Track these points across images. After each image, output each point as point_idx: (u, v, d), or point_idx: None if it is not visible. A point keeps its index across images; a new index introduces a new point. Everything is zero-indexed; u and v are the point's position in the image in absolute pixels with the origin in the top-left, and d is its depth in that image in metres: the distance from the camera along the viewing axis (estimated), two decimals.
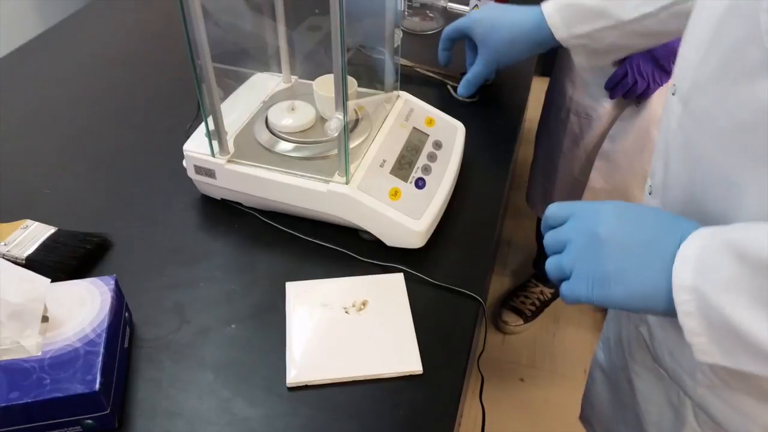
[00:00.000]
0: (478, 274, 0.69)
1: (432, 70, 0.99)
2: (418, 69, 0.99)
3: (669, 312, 0.44)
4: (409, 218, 0.68)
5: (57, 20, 1.14)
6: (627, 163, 1.21)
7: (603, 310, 1.76)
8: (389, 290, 0.66)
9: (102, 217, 0.75)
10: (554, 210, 0.53)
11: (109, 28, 1.14)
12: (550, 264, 0.51)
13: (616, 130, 1.20)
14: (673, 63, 1.00)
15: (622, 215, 0.49)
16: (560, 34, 0.81)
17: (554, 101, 1.32)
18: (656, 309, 0.45)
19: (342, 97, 0.63)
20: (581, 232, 0.49)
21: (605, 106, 1.19)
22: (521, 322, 1.68)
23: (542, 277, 1.73)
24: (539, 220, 1.59)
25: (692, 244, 0.43)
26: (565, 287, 0.50)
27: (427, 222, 0.69)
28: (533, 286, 1.73)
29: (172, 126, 0.84)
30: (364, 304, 0.64)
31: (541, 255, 1.71)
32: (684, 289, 0.43)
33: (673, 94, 0.57)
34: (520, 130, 0.88)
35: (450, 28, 0.90)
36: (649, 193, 0.64)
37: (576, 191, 1.35)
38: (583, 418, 0.88)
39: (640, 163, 1.19)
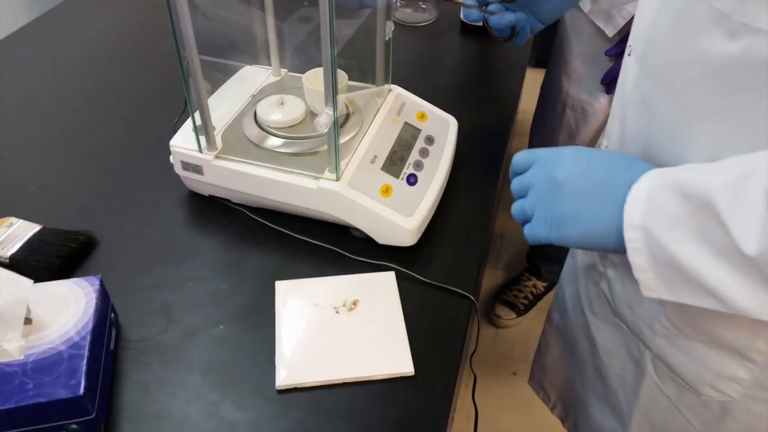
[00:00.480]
0: (470, 272, 0.68)
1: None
2: None
3: (620, 249, 0.46)
4: (400, 216, 0.67)
5: (44, 10, 1.11)
6: None
7: None
8: (380, 289, 0.65)
9: (88, 214, 0.73)
10: (520, 157, 0.55)
11: (97, 19, 1.12)
12: (515, 208, 0.54)
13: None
14: None
15: (579, 159, 0.51)
16: None
17: (550, 95, 1.31)
18: (609, 246, 0.47)
19: (332, 92, 0.62)
20: (541, 177, 0.51)
21: (601, 101, 1.18)
22: (514, 315, 1.68)
23: (535, 270, 1.73)
24: None
25: (642, 185, 0.45)
26: (527, 229, 0.52)
27: (418, 219, 0.67)
28: (526, 280, 1.73)
29: (160, 120, 0.82)
30: (354, 303, 0.63)
31: (534, 249, 1.70)
32: (633, 227, 0.44)
33: (629, 54, 0.58)
34: (513, 123, 0.87)
35: None
36: None
37: None
38: (534, 381, 0.89)
39: None
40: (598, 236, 0.48)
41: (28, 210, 0.71)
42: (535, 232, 0.51)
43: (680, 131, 0.49)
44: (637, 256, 0.45)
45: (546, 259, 1.69)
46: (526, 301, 1.70)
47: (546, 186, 0.51)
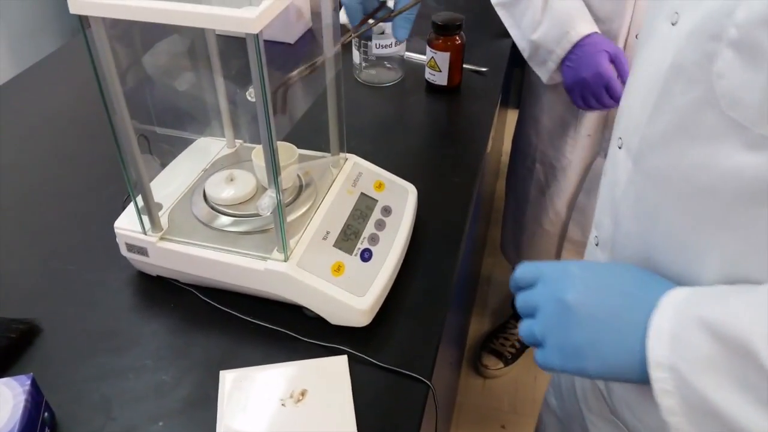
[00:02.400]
0: (427, 354, 0.65)
1: (350, 34, 0.75)
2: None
3: (644, 382, 0.43)
4: (352, 296, 0.64)
5: (4, 80, 1.11)
6: None
7: None
8: (331, 376, 0.62)
9: (34, 298, 0.70)
10: (522, 271, 0.52)
11: (60, 86, 1.11)
12: (523, 330, 0.50)
13: (590, 184, 1.18)
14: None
15: (589, 280, 0.48)
16: None
17: (520, 149, 1.30)
18: (631, 379, 0.45)
19: (273, 173, 0.60)
20: (549, 299, 0.48)
21: (567, 157, 1.18)
22: (501, 365, 1.64)
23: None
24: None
25: (665, 317, 0.42)
26: (539, 356, 0.49)
27: (371, 299, 0.65)
28: (513, 327, 1.69)
29: (113, 194, 0.81)
30: (303, 394, 0.59)
31: None
32: (660, 366, 0.41)
33: (619, 147, 0.56)
34: (475, 189, 0.85)
35: None
36: (596, 245, 0.63)
37: (544, 242, 1.33)
38: None
39: None
40: (620, 370, 0.45)
41: None
42: (549, 362, 0.48)
43: (688, 240, 0.46)
44: (666, 398, 0.41)
45: None
46: (513, 350, 1.66)
47: (556, 310, 0.47)
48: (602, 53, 1.00)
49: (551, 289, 0.48)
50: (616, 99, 1.02)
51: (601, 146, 1.15)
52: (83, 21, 0.54)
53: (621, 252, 0.56)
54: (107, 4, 0.52)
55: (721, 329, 0.39)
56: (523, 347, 1.68)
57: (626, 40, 1.05)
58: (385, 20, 0.74)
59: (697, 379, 0.40)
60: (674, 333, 0.41)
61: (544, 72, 1.06)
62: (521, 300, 0.51)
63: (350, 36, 0.73)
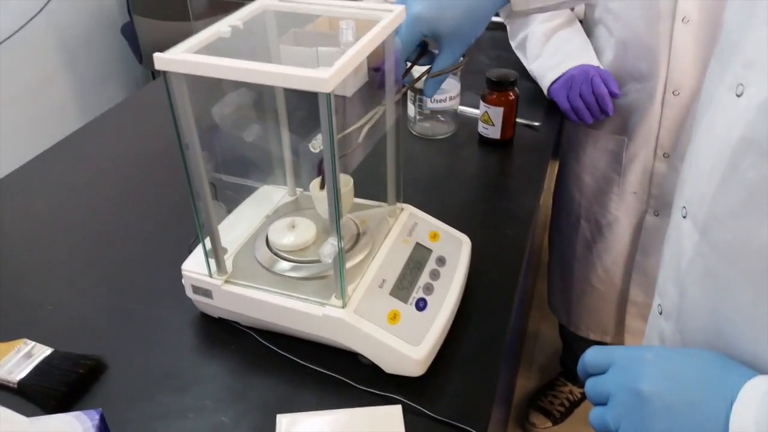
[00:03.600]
0: (482, 406, 0.65)
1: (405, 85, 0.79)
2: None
3: None
4: (408, 345, 0.65)
5: (77, 126, 1.18)
6: None
7: None
8: (384, 425, 0.62)
9: (100, 336, 0.74)
10: (592, 356, 0.51)
11: (128, 134, 1.18)
12: (595, 417, 0.49)
13: (646, 243, 1.17)
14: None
15: (664, 368, 0.46)
16: (518, 7, 0.74)
17: (563, 205, 1.30)
18: None
19: (336, 221, 0.62)
20: (623, 387, 0.47)
21: (613, 213, 1.17)
22: (549, 424, 1.59)
23: (570, 375, 1.65)
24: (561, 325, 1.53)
25: (748, 410, 0.41)
26: None
27: (426, 349, 0.65)
28: (561, 385, 1.65)
29: (180, 237, 0.84)
30: None
31: (568, 352, 1.64)
32: None
33: (684, 217, 0.55)
34: (528, 242, 0.86)
35: (407, 36, 0.72)
36: (660, 313, 0.62)
37: (595, 300, 1.31)
38: None
39: None
40: None
41: (43, 330, 0.72)
42: None
43: (761, 316, 0.45)
44: None
45: None
46: (562, 408, 1.62)
47: (629, 399, 0.46)
48: (590, 67, 1.08)
49: (624, 377, 0.47)
50: (600, 96, 1.06)
51: (648, 204, 1.14)
52: (166, 75, 0.59)
53: (688, 323, 0.54)
54: (191, 61, 0.56)
55: None
56: (572, 406, 1.63)
57: (663, 98, 1.06)
58: (421, 78, 0.75)
59: None
60: (759, 426, 0.40)
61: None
62: (591, 386, 0.50)
63: (405, 89, 0.76)
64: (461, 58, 0.76)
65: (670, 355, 0.48)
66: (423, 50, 0.75)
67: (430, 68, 0.75)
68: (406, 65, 0.75)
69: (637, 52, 1.06)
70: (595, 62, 1.10)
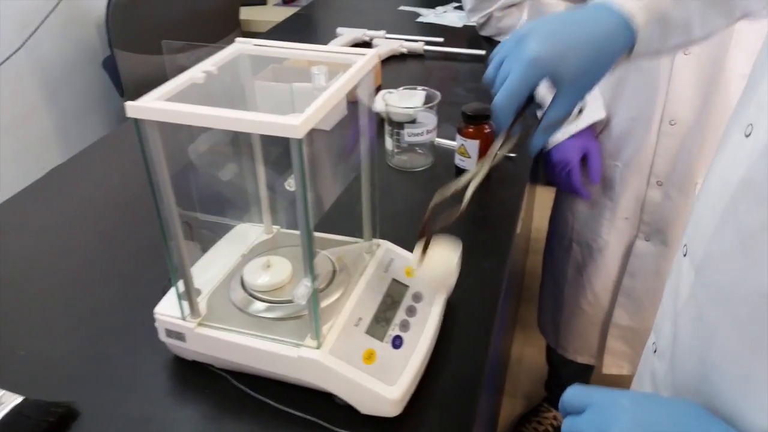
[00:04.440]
0: None
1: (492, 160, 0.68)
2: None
3: None
4: (383, 384, 0.65)
5: (51, 166, 1.17)
6: (649, 301, 1.19)
7: None
8: None
9: (73, 381, 0.72)
10: (572, 395, 0.51)
11: (107, 171, 1.18)
12: None
13: (634, 267, 1.18)
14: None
15: (641, 418, 0.45)
16: (642, 49, 0.62)
17: (557, 229, 1.31)
18: None
19: (309, 263, 0.62)
20: (594, 430, 0.46)
21: (604, 238, 1.19)
22: None
23: (555, 400, 1.64)
24: (548, 348, 1.53)
25: None
26: None
27: (402, 388, 0.65)
28: (546, 411, 1.64)
29: (155, 278, 0.83)
30: None
31: (553, 377, 1.64)
32: None
33: (684, 255, 0.54)
34: (505, 275, 0.86)
35: (522, 80, 0.60)
36: (654, 351, 0.61)
37: (583, 322, 1.32)
38: None
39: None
40: None
41: (15, 377, 0.71)
42: None
43: (744, 367, 0.44)
44: None
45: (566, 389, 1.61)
46: None
47: None
48: (575, 149, 1.12)
49: (598, 421, 0.46)
50: (573, 186, 1.15)
51: (639, 229, 1.16)
52: (137, 122, 0.59)
53: (680, 365, 0.53)
54: (162, 109, 0.57)
55: None
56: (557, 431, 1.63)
57: (659, 127, 1.08)
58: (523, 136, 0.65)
59: None
60: None
61: None
62: (567, 427, 0.49)
63: (505, 139, 0.64)
64: (578, 107, 0.64)
65: (648, 403, 0.46)
66: (529, 100, 0.64)
67: (541, 119, 0.64)
68: (513, 117, 0.63)
69: (636, 81, 1.08)
70: (601, 113, 1.13)
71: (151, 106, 0.57)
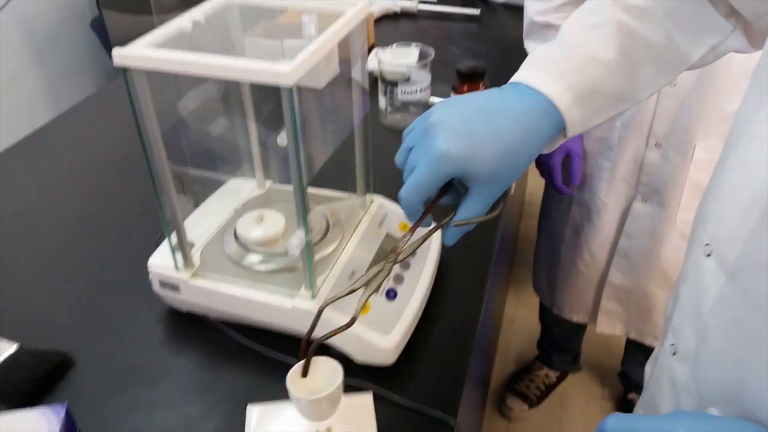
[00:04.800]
0: (453, 392, 0.66)
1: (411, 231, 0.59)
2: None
3: None
4: (378, 334, 0.66)
5: (43, 123, 1.16)
6: (644, 262, 1.20)
7: (611, 398, 1.69)
8: (356, 413, 0.62)
9: (67, 332, 0.73)
10: (615, 426, 0.44)
11: (99, 127, 1.16)
12: None
13: (631, 228, 1.19)
14: None
15: None
16: (574, 130, 0.57)
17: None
18: None
19: (302, 214, 0.62)
20: None
21: (602, 199, 1.19)
22: (526, 407, 1.62)
23: (547, 359, 1.67)
24: (542, 304, 1.55)
25: None
26: None
27: (396, 338, 0.66)
28: (538, 369, 1.67)
29: (148, 232, 0.84)
30: (328, 430, 0.60)
31: (545, 336, 1.66)
32: None
33: (707, 255, 0.50)
34: (498, 231, 0.87)
35: (429, 177, 0.53)
36: (673, 354, 0.57)
37: (579, 282, 1.33)
38: None
39: (658, 261, 1.19)
40: None
41: (10, 327, 0.72)
42: None
43: None
44: None
45: (558, 348, 1.64)
46: (538, 392, 1.64)
47: None
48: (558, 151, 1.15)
49: None
50: (555, 186, 1.23)
51: (637, 190, 1.16)
52: (126, 71, 0.58)
53: (707, 371, 0.50)
54: (150, 57, 0.56)
55: None
56: (548, 389, 1.66)
57: (647, 140, 1.09)
58: (441, 227, 0.57)
59: None
60: None
61: None
62: None
63: (413, 232, 0.58)
64: (497, 205, 0.57)
65: (703, 424, 0.42)
66: (446, 187, 0.58)
67: (453, 214, 0.56)
68: (422, 207, 0.57)
69: None
70: None
71: (139, 53, 0.56)
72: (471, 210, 0.55)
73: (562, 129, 0.56)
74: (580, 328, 1.54)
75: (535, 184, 1.59)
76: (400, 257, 0.57)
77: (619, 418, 0.44)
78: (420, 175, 0.53)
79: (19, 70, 2.16)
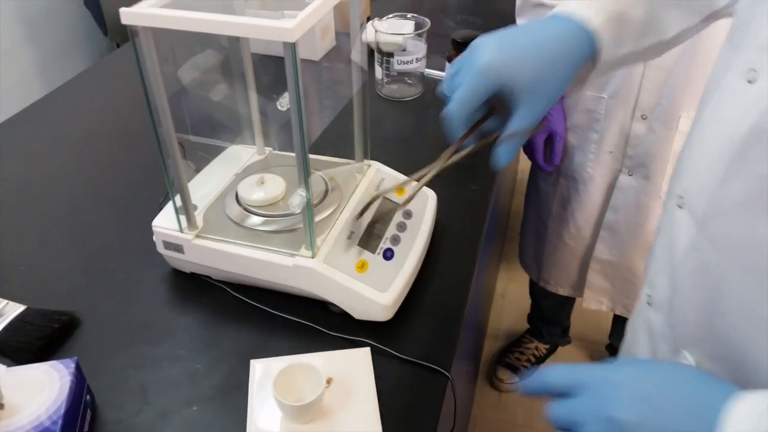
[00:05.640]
0: (447, 347, 0.68)
1: (451, 158, 0.64)
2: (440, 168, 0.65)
3: None
4: (375, 291, 0.68)
5: (45, 92, 1.17)
6: (630, 236, 1.22)
7: None
8: (355, 366, 0.65)
9: (74, 294, 0.75)
10: (560, 377, 0.46)
11: (98, 99, 1.17)
12: None
13: (617, 202, 1.21)
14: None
15: (640, 392, 0.42)
16: (607, 54, 0.58)
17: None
18: None
19: (304, 173, 0.64)
20: (596, 417, 0.42)
21: (588, 171, 1.21)
22: (516, 379, 1.65)
23: (537, 332, 1.71)
24: (531, 281, 1.58)
25: (738, 428, 0.37)
26: None
27: (393, 295, 0.68)
28: (528, 342, 1.71)
29: (150, 198, 0.85)
30: (328, 382, 0.63)
31: (535, 310, 1.69)
32: None
33: (679, 207, 0.52)
34: (492, 197, 0.89)
35: (473, 90, 0.55)
36: (648, 303, 0.59)
37: (566, 255, 1.35)
38: None
39: (644, 235, 1.21)
40: None
41: (16, 290, 0.73)
42: None
43: (760, 313, 0.44)
44: None
45: (547, 322, 1.67)
46: (528, 364, 1.68)
47: (604, 429, 0.41)
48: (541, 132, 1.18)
49: (597, 405, 0.42)
50: (536, 163, 1.29)
51: (623, 163, 1.18)
52: (132, 31, 0.59)
53: (679, 316, 0.53)
54: (157, 14, 0.57)
55: None
56: (537, 362, 1.69)
57: (633, 112, 1.11)
58: (490, 144, 0.59)
59: None
60: None
61: None
62: (558, 412, 0.45)
63: (455, 151, 0.61)
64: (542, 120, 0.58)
65: (644, 374, 0.43)
66: (488, 113, 0.60)
67: (499, 132, 0.58)
68: (465, 130, 0.59)
69: None
70: None
71: (146, 11, 0.57)
72: (518, 122, 0.56)
73: (592, 53, 0.57)
74: (568, 302, 1.57)
75: (527, 163, 1.61)
76: (451, 160, 0.62)
77: (562, 369, 0.45)
78: (465, 88, 0.55)
79: (13, 47, 2.15)
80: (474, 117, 0.58)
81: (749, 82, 0.44)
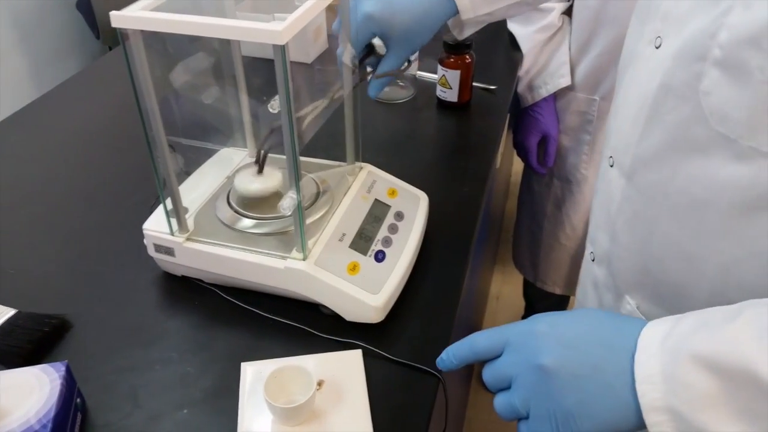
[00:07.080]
0: (438, 349, 0.68)
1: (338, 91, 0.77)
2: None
3: (642, 428, 0.41)
4: (367, 293, 0.68)
5: (39, 95, 1.16)
6: None
7: None
8: (347, 369, 0.65)
9: (65, 297, 0.74)
10: (484, 342, 0.49)
11: (90, 102, 1.17)
12: (501, 404, 0.47)
13: None
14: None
15: (562, 338, 0.45)
16: (467, 15, 0.77)
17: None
18: (631, 430, 0.42)
19: (295, 175, 0.64)
20: (524, 367, 0.45)
21: (582, 172, 1.22)
22: None
23: None
24: (525, 281, 1.58)
25: (652, 358, 0.40)
26: (524, 429, 0.46)
27: (385, 297, 0.68)
28: None
29: (140, 201, 0.85)
30: (320, 384, 0.63)
31: (530, 311, 1.69)
32: (656, 410, 0.40)
33: (611, 166, 0.58)
34: (484, 199, 0.89)
35: (358, 34, 0.73)
36: (592, 260, 0.65)
37: (561, 256, 1.36)
38: None
39: None
40: (616, 424, 0.42)
41: (6, 294, 0.73)
42: None
43: (686, 250, 0.48)
44: None
45: None
46: None
47: (534, 377, 0.44)
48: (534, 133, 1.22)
49: (523, 356, 0.45)
50: (530, 165, 1.33)
51: None
52: (122, 35, 0.59)
53: (618, 265, 0.57)
54: (147, 18, 0.57)
55: (717, 362, 0.37)
56: None
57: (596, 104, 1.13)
58: (363, 79, 0.78)
59: (697, 417, 0.38)
60: (666, 373, 0.39)
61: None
62: (489, 373, 0.48)
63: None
64: (407, 63, 0.79)
65: (562, 322, 0.46)
66: (369, 51, 0.77)
67: (373, 70, 0.77)
68: (355, 64, 0.75)
69: (614, 15, 1.09)
70: (566, 80, 1.20)
71: (135, 14, 0.57)
72: (389, 64, 0.76)
73: (456, 12, 0.76)
74: (563, 301, 1.57)
75: (520, 165, 1.62)
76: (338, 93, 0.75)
77: (487, 332, 0.49)
78: (351, 34, 0.71)
79: (5, 51, 2.15)
80: (360, 55, 0.75)
81: (656, 48, 0.51)
